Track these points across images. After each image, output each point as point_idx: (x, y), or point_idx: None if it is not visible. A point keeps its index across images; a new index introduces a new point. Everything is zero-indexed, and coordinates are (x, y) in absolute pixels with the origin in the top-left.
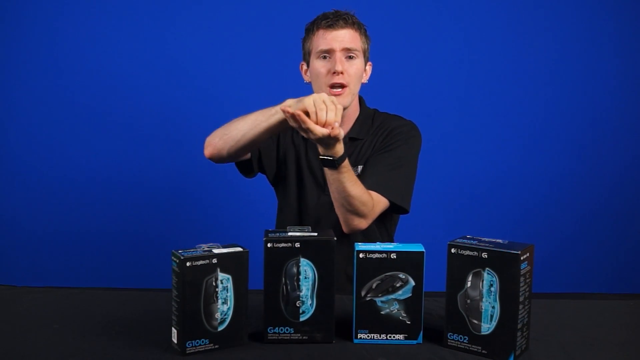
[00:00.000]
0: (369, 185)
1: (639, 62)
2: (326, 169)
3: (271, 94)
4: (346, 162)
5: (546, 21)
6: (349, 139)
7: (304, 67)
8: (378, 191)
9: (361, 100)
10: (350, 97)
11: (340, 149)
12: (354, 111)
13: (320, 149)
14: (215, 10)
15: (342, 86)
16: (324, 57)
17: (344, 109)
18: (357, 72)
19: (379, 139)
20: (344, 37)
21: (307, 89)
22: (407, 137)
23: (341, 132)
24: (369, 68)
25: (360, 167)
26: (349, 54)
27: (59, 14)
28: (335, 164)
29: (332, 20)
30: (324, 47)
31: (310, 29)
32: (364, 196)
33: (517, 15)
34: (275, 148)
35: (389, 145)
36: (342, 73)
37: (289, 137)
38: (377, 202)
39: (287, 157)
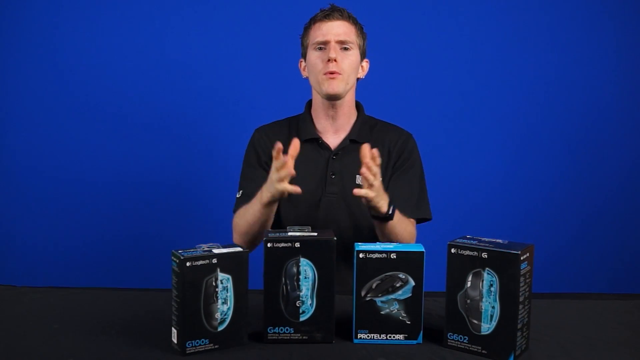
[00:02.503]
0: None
1: (638, 62)
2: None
3: (270, 92)
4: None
5: (547, 20)
6: (350, 140)
7: (302, 63)
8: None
9: (359, 106)
10: (343, 85)
11: (382, 205)
12: (351, 110)
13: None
14: (216, 9)
15: (336, 73)
16: (320, 49)
17: (339, 97)
18: (351, 63)
19: (391, 156)
20: (338, 29)
21: (305, 86)
22: (414, 153)
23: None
24: (365, 64)
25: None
26: (343, 46)
27: (58, 13)
28: (386, 219)
29: (328, 11)
30: (320, 38)
31: (308, 25)
32: (409, 229)
33: (517, 14)
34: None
35: (401, 166)
36: (336, 61)
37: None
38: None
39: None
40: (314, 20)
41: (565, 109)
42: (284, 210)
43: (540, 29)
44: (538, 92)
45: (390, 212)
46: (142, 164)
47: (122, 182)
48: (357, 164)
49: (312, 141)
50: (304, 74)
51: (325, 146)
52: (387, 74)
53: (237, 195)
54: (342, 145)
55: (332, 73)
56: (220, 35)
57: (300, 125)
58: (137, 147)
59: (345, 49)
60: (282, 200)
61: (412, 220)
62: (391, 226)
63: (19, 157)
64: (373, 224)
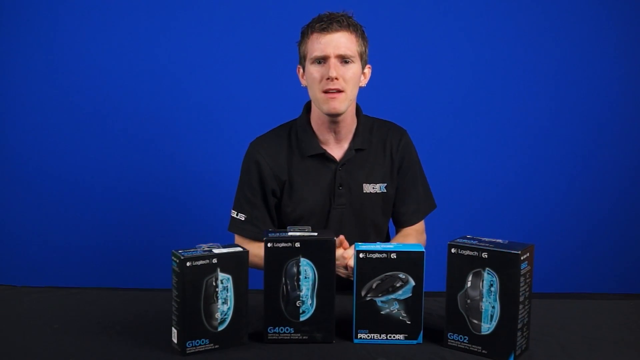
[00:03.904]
0: (415, 220)
1: (639, 63)
2: None
3: (268, 96)
4: None
5: (549, 19)
6: (355, 150)
7: (301, 70)
8: (421, 218)
9: (358, 109)
10: (346, 103)
11: None
12: (352, 120)
13: None
14: (213, 12)
15: (338, 91)
16: (319, 62)
17: (341, 114)
18: (353, 77)
19: (394, 161)
20: (338, 42)
21: (304, 92)
22: (413, 150)
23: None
24: (367, 71)
25: (381, 185)
26: (344, 60)
27: (57, 14)
28: None
29: (326, 23)
30: (318, 53)
31: (305, 33)
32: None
33: (518, 13)
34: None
35: (408, 169)
36: (337, 79)
37: (272, 179)
38: (421, 231)
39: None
40: (311, 30)
41: (566, 108)
42: (294, 223)
43: (544, 26)
44: (539, 92)
45: None
46: (142, 164)
47: (123, 182)
48: (363, 172)
49: (317, 155)
50: (303, 82)
51: (331, 158)
52: (387, 73)
53: (236, 216)
54: (347, 157)
55: (333, 91)
56: (219, 39)
57: (301, 137)
58: (137, 148)
59: (346, 62)
60: (291, 213)
61: (417, 227)
62: None
63: (19, 158)
64: (380, 231)
